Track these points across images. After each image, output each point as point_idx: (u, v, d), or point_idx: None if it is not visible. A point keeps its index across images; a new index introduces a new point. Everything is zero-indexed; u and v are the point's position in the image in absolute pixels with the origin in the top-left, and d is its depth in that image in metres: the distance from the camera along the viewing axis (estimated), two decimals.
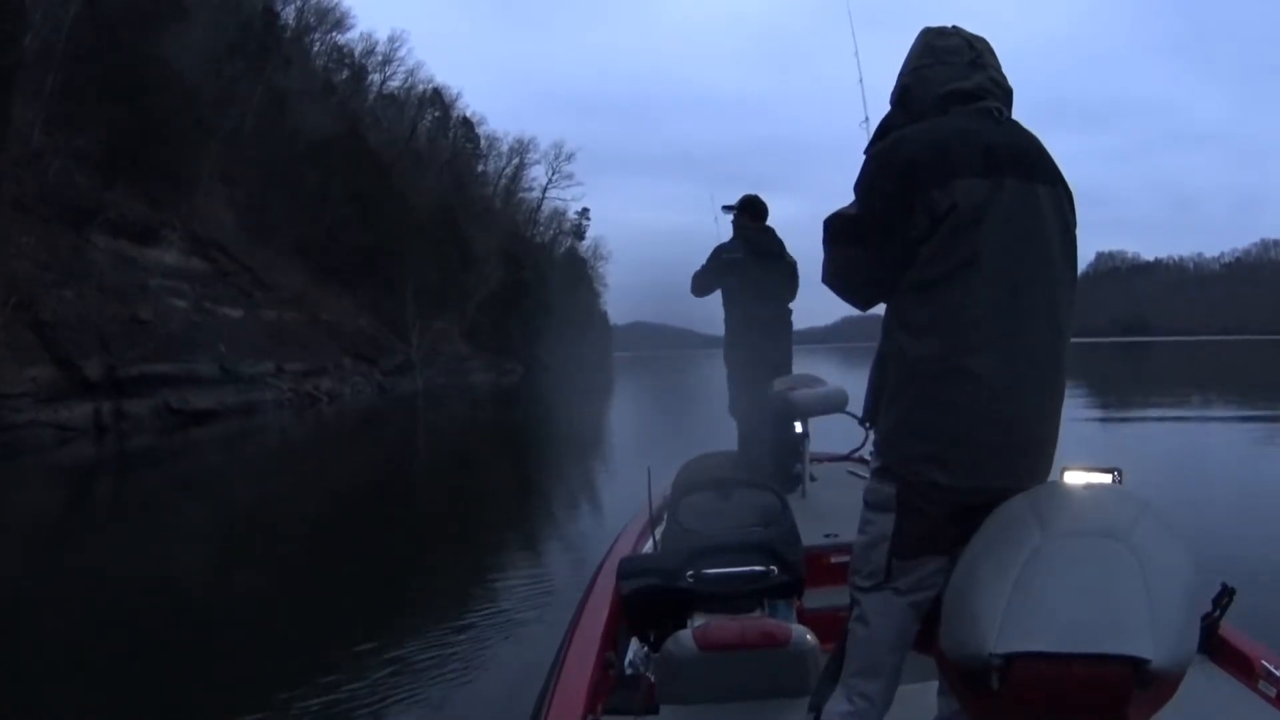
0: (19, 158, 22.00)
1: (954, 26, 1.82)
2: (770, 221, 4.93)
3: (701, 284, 4.84)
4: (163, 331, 22.94)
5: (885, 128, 1.82)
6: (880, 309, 1.78)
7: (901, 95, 1.81)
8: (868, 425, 1.79)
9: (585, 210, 73.56)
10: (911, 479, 1.63)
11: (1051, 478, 1.68)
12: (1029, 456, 1.64)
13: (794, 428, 4.49)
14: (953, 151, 1.63)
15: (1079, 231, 1.76)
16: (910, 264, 1.65)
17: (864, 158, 1.77)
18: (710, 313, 4.87)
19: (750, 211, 4.89)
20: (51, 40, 23.21)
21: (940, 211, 1.60)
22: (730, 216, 4.96)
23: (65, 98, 23.24)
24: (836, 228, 1.78)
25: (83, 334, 20.19)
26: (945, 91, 1.74)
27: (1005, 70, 1.79)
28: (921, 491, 1.62)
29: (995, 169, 1.63)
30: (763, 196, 4.93)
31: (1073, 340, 1.71)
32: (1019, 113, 1.79)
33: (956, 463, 1.60)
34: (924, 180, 1.62)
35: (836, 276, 1.83)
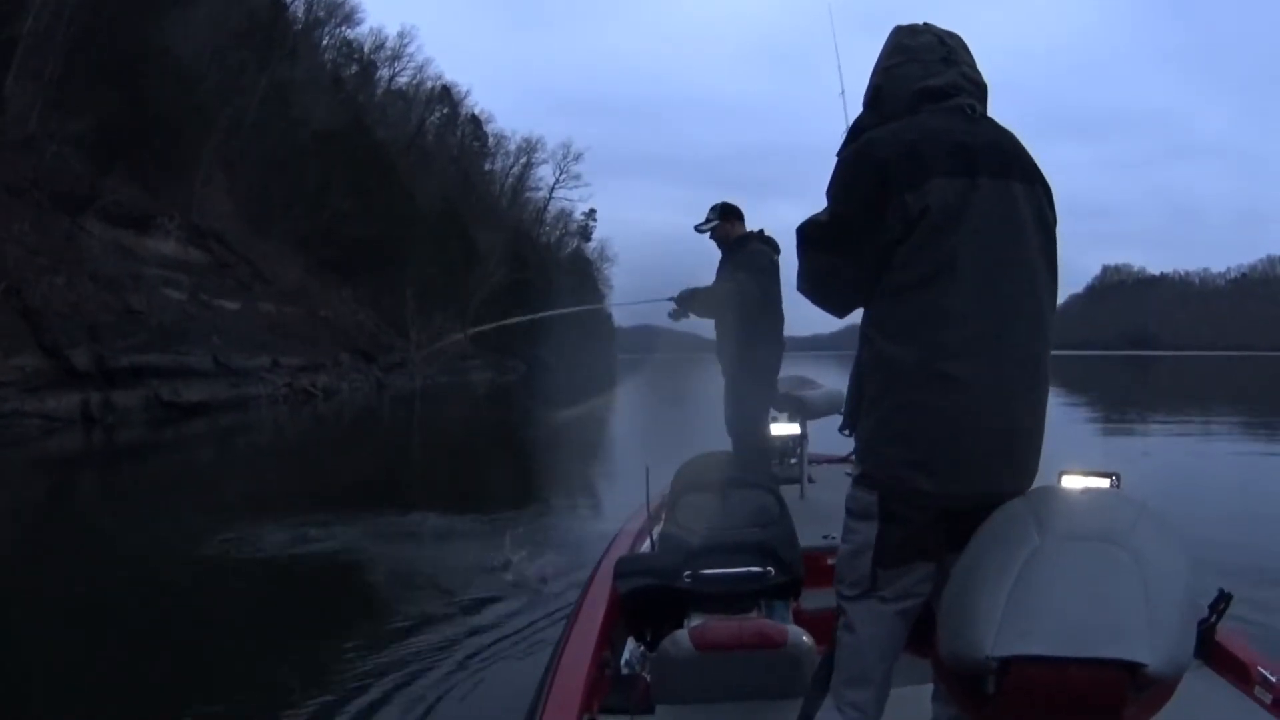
0: (14, 141, 21.87)
1: (925, 23, 1.78)
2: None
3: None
4: (155, 322, 22.78)
5: (857, 129, 1.77)
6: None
7: (874, 95, 1.78)
8: (848, 433, 1.77)
9: (592, 211, 73.05)
10: (894, 486, 1.61)
11: (1049, 482, 1.68)
12: (1013, 460, 1.62)
13: (795, 428, 4.48)
14: (925, 152, 1.59)
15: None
16: (886, 268, 1.61)
17: (836, 160, 1.74)
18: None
19: (737, 214, 4.60)
20: (51, 24, 23.12)
21: (914, 214, 1.57)
22: (708, 233, 4.56)
23: (63, 82, 23.07)
24: (810, 234, 1.74)
25: (72, 323, 20.01)
26: (917, 89, 1.70)
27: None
28: (904, 498, 1.60)
29: (969, 168, 1.59)
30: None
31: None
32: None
33: (939, 468, 1.58)
34: (896, 183, 1.58)
35: (812, 284, 1.80)
